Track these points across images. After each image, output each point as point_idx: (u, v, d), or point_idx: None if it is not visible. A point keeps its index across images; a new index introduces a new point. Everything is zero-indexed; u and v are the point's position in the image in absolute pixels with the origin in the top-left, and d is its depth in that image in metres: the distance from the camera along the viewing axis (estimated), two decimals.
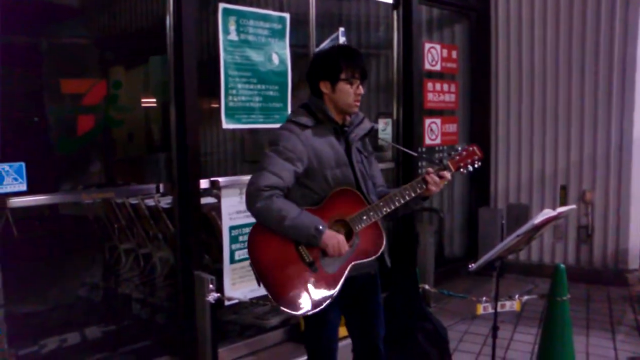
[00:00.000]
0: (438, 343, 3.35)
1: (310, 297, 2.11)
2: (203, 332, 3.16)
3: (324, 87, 2.23)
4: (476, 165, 2.33)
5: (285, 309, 2.12)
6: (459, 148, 2.33)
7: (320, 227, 2.08)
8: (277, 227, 2.09)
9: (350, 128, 2.30)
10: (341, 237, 2.13)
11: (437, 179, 2.22)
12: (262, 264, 2.13)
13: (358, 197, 2.22)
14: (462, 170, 2.31)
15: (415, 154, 2.80)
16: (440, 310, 4.52)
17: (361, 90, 2.25)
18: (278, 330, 3.91)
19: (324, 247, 2.11)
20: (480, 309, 3.16)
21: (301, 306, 2.11)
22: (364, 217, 2.17)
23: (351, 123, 2.30)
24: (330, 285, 2.14)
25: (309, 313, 2.13)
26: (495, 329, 2.78)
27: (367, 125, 2.34)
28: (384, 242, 2.24)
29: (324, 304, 2.12)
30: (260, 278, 2.13)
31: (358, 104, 2.26)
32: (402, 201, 2.20)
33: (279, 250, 2.13)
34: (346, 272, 2.16)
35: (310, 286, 2.12)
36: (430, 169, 2.25)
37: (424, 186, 2.21)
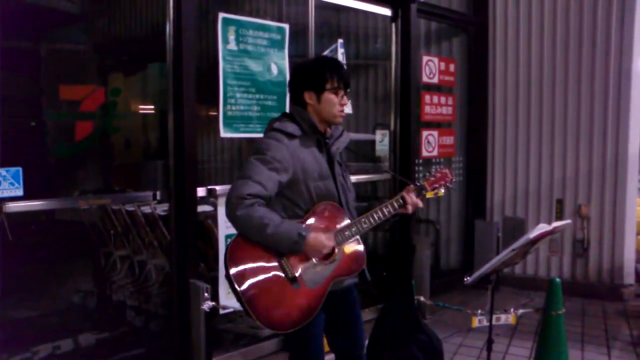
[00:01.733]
0: (433, 355, 3.34)
1: (291, 314, 2.06)
2: (197, 341, 3.15)
3: (309, 98, 2.22)
4: (449, 187, 2.41)
5: (267, 327, 2.07)
6: (435, 170, 2.45)
7: (303, 233, 2.05)
8: (258, 236, 2.03)
9: (331, 140, 2.29)
10: (323, 237, 2.09)
11: (414, 198, 2.26)
12: (242, 279, 2.03)
13: (341, 212, 2.22)
14: (435, 190, 2.37)
15: (392, 173, 2.87)
16: (436, 322, 4.51)
17: (345, 100, 2.25)
18: (272, 340, 3.89)
19: (309, 252, 2.07)
20: (475, 322, 3.16)
21: (283, 324, 2.07)
22: (347, 233, 2.17)
23: (332, 135, 2.30)
24: (312, 301, 2.09)
25: (290, 330, 2.08)
26: (490, 342, 2.78)
27: (346, 138, 2.35)
28: (365, 257, 2.25)
29: (306, 321, 2.09)
30: (241, 295, 2.02)
31: (343, 114, 2.26)
32: (383, 217, 2.21)
33: (261, 266, 2.05)
34: (329, 287, 2.14)
35: (291, 303, 2.06)
36: (409, 189, 2.29)
37: (403, 204, 2.25)
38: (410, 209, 2.26)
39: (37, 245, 4.28)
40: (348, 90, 2.28)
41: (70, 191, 4.30)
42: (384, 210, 2.22)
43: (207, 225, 4.07)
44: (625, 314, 4.86)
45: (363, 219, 2.20)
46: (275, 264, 2.07)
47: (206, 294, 3.06)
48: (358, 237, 2.23)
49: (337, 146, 2.30)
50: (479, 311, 3.17)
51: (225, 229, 3.50)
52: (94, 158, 4.58)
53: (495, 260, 2.62)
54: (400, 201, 2.25)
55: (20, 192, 2.72)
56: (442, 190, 2.38)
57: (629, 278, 5.27)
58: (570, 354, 3.31)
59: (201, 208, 3.78)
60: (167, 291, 3.91)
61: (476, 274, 2.66)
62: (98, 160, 4.67)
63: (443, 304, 4.07)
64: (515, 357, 3.91)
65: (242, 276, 2.03)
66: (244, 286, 2.02)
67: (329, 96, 2.20)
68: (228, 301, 3.51)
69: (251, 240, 2.06)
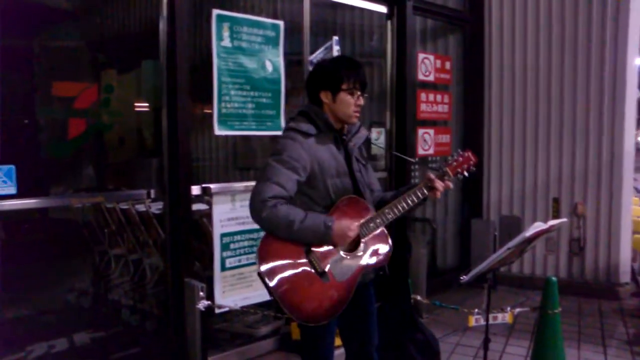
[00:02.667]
0: (429, 354, 3.33)
1: (324, 307, 2.11)
2: (193, 340, 3.13)
3: (325, 97, 2.25)
4: (472, 170, 2.35)
5: (301, 321, 2.13)
6: (455, 154, 2.35)
7: (329, 222, 2.09)
8: (286, 233, 2.08)
9: (348, 137, 2.32)
10: (349, 223, 2.13)
11: (442, 183, 2.24)
12: (274, 276, 2.09)
13: (363, 205, 2.24)
14: (459, 175, 2.33)
15: (413, 160, 2.83)
16: (432, 321, 4.50)
17: (361, 101, 2.27)
18: (268, 339, 3.88)
19: (337, 240, 2.11)
20: (472, 321, 3.14)
21: (316, 316, 2.12)
22: (371, 225, 2.19)
23: (349, 132, 2.33)
24: (342, 293, 2.14)
25: (322, 322, 2.13)
26: (486, 341, 2.77)
27: (363, 133, 2.37)
28: (391, 249, 2.27)
29: (338, 312, 2.14)
30: (273, 291, 2.09)
31: (358, 114, 2.28)
32: (407, 207, 2.21)
33: (291, 262, 2.11)
34: (358, 278, 2.17)
35: (323, 296, 2.11)
36: (431, 175, 2.25)
37: (427, 192, 2.23)
38: (438, 194, 2.24)
39: (31, 243, 4.26)
40: (365, 90, 2.29)
41: (64, 189, 4.27)
42: (408, 200, 2.22)
43: (202, 224, 4.05)
44: (621, 312, 4.86)
45: (387, 210, 2.20)
46: (304, 260, 2.12)
47: (201, 293, 3.05)
48: (384, 228, 2.24)
49: (354, 142, 2.32)
50: (476, 310, 3.15)
51: (220, 227, 3.48)
52: (88, 156, 4.56)
53: (491, 259, 2.61)
54: (425, 190, 2.23)
55: (13, 190, 2.70)
56: (466, 174, 2.33)
57: (625, 277, 5.28)
58: (566, 353, 3.29)
59: (196, 206, 3.76)
60: (162, 290, 3.89)
61: (472, 273, 2.65)
62: (92, 158, 4.65)
63: (440, 303, 4.06)
64: (512, 356, 3.90)
65: (273, 273, 2.09)
66: (276, 283, 2.08)
67: (344, 96, 2.23)
68: (223, 300, 3.49)
69: (279, 238, 2.11)
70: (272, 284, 2.08)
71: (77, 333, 3.85)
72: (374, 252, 2.23)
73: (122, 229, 4.61)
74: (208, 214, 3.70)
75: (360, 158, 2.37)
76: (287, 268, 2.11)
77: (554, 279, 3.20)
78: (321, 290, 2.11)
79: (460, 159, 2.33)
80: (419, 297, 4.09)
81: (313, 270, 2.11)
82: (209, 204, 3.61)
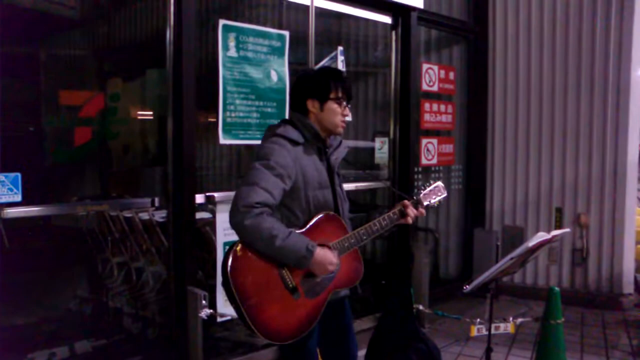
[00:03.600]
0: None
1: (291, 325, 2.04)
2: (194, 349, 3.13)
3: (312, 106, 2.23)
4: (440, 202, 2.45)
5: (264, 337, 2.02)
6: (428, 184, 2.46)
7: (311, 247, 2.03)
8: (266, 247, 1.99)
9: (330, 150, 2.30)
10: (330, 256, 2.09)
11: (415, 211, 2.30)
12: (242, 288, 1.98)
13: (340, 224, 2.23)
14: (429, 206, 2.41)
15: (387, 185, 2.92)
16: (434, 331, 4.49)
17: (347, 111, 2.27)
18: (270, 348, 3.87)
19: (314, 267, 2.05)
20: (474, 331, 3.14)
21: (281, 335, 2.04)
22: (346, 244, 2.17)
23: (331, 145, 2.31)
24: (311, 312, 2.09)
25: (288, 342, 2.06)
26: (489, 351, 2.77)
27: (344, 148, 2.36)
28: (363, 269, 2.26)
29: (305, 332, 2.07)
30: (239, 303, 1.98)
31: (344, 125, 2.27)
32: (381, 229, 2.24)
33: (261, 275, 2.02)
34: (327, 298, 2.14)
35: (291, 314, 2.04)
36: (406, 202, 2.31)
37: (400, 216, 2.28)
38: (410, 220, 2.28)
39: (35, 251, 4.27)
40: (350, 102, 2.30)
41: (69, 197, 4.28)
42: (382, 222, 2.24)
43: (205, 233, 4.06)
44: (624, 323, 4.84)
45: (362, 231, 2.21)
46: (276, 273, 2.04)
47: (204, 302, 3.05)
48: (357, 248, 2.23)
49: (336, 156, 2.31)
50: (478, 320, 3.16)
51: (223, 236, 3.49)
52: (93, 164, 4.57)
53: (494, 269, 2.61)
54: (398, 214, 2.27)
55: (18, 198, 2.71)
56: (436, 204, 2.43)
57: (628, 287, 5.26)
58: None
59: (199, 215, 3.77)
60: (165, 298, 3.89)
61: (475, 282, 2.65)
62: (97, 166, 4.66)
63: (442, 313, 4.05)
64: None
65: (241, 285, 1.99)
66: (243, 295, 1.98)
67: (332, 105, 2.22)
68: (226, 309, 3.49)
69: (253, 249, 2.02)
70: (239, 296, 1.97)
71: (79, 341, 3.84)
72: (346, 270, 2.21)
73: (125, 237, 4.62)
74: (211, 223, 3.71)
75: (339, 173, 2.38)
76: (257, 280, 2.01)
77: (557, 289, 3.21)
78: (290, 307, 2.04)
79: (430, 189, 2.41)
80: (421, 307, 4.09)
81: (284, 286, 2.04)
82: (213, 212, 3.62)
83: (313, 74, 2.33)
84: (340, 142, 2.35)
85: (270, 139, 2.18)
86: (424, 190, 2.40)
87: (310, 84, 2.25)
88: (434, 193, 2.41)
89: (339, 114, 2.23)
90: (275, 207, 2.07)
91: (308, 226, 2.14)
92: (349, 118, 2.30)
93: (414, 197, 2.35)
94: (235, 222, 2.01)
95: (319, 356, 2.40)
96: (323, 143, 2.26)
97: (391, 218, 2.25)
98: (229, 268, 1.99)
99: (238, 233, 2.03)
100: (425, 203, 2.38)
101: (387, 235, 2.42)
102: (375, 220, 2.23)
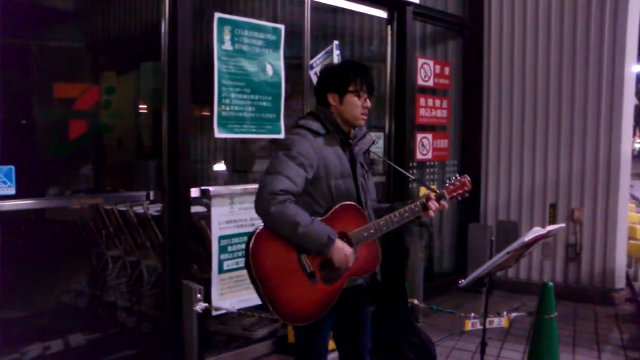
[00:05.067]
0: (426, 358, 3.34)
1: (307, 308, 2.12)
2: (190, 342, 3.13)
3: (332, 99, 2.28)
4: (466, 195, 2.43)
5: (281, 318, 2.11)
6: (454, 178, 2.43)
7: (332, 236, 2.10)
8: (289, 233, 2.07)
9: (354, 141, 2.35)
10: (349, 249, 2.15)
11: (437, 205, 2.30)
12: (263, 270, 2.08)
13: (361, 213, 2.26)
14: (454, 199, 2.41)
15: (412, 177, 2.89)
16: (429, 325, 4.51)
17: (368, 103, 2.30)
18: (265, 342, 3.88)
19: (332, 257, 2.11)
20: (468, 325, 3.16)
21: (297, 317, 2.12)
22: (365, 234, 2.21)
23: (355, 136, 2.36)
24: (327, 297, 2.15)
25: (302, 324, 2.14)
26: (483, 345, 2.78)
27: (369, 139, 2.40)
28: (380, 259, 2.28)
29: (320, 316, 2.14)
30: (259, 285, 2.08)
31: (365, 117, 2.31)
32: (401, 221, 2.25)
33: (281, 259, 2.10)
34: (343, 285, 2.18)
35: (308, 297, 2.12)
36: (431, 196, 2.31)
37: (422, 209, 2.28)
38: (432, 214, 2.29)
39: (29, 244, 4.25)
40: (373, 94, 2.32)
41: (63, 190, 4.27)
42: (403, 213, 2.25)
43: (200, 226, 4.05)
44: (616, 317, 4.88)
45: (382, 222, 2.23)
46: (295, 258, 2.12)
47: (199, 295, 3.05)
48: (376, 238, 2.26)
49: (359, 147, 2.35)
50: (472, 314, 3.17)
51: (218, 230, 3.49)
52: (87, 157, 4.55)
53: (490, 263, 2.62)
54: (420, 207, 2.28)
55: (12, 191, 2.70)
56: (460, 199, 2.42)
57: (620, 282, 5.30)
58: (561, 358, 3.32)
59: (194, 209, 3.76)
60: (160, 292, 3.89)
61: (471, 277, 2.66)
62: (91, 159, 4.64)
63: (436, 307, 4.07)
64: None
65: (262, 267, 2.08)
66: (263, 277, 2.07)
67: (351, 98, 2.26)
68: (221, 303, 3.49)
69: (274, 234, 2.10)
70: (258, 277, 2.07)
71: (74, 334, 3.84)
72: (363, 259, 2.24)
73: (120, 231, 4.61)
74: (206, 216, 3.71)
75: (364, 163, 2.40)
76: (277, 264, 2.10)
77: (550, 284, 3.22)
78: (307, 291, 2.11)
79: (457, 183, 2.40)
80: (415, 301, 4.11)
81: (302, 270, 2.12)
82: (208, 206, 3.61)
83: (334, 68, 2.39)
84: (366, 133, 2.40)
85: (294, 130, 2.27)
86: (449, 184, 2.39)
87: (330, 78, 2.31)
88: (460, 187, 2.40)
89: (359, 106, 2.27)
90: (298, 194, 2.14)
91: (329, 214, 2.19)
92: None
93: (437, 191, 2.35)
94: (261, 209, 2.09)
95: (334, 343, 2.44)
96: (345, 134, 2.30)
97: (412, 210, 2.27)
98: (250, 250, 2.08)
99: (263, 220, 2.11)
100: (450, 196, 2.37)
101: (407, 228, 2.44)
102: (396, 211, 2.25)
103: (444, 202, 2.33)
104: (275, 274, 2.09)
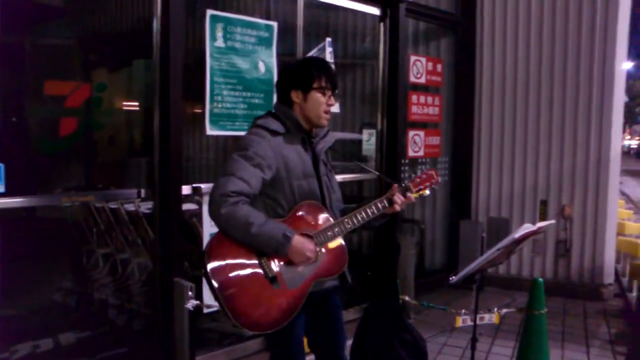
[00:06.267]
0: (417, 354, 3.36)
1: (271, 315, 2.02)
2: (181, 340, 3.12)
3: (295, 97, 2.20)
4: (435, 187, 2.39)
5: (245, 328, 2.01)
6: (419, 172, 2.43)
7: (288, 234, 2.01)
8: (243, 236, 1.99)
9: (316, 140, 2.28)
10: (309, 244, 2.07)
11: (402, 198, 2.25)
12: (221, 278, 1.98)
13: (323, 212, 2.20)
14: (421, 192, 2.35)
15: (377, 173, 2.86)
16: (420, 322, 4.53)
17: (333, 101, 2.24)
18: (257, 339, 3.88)
19: (292, 256, 2.04)
20: (459, 322, 3.18)
21: (262, 324, 2.03)
22: (329, 233, 2.14)
23: (317, 135, 2.29)
24: (292, 301, 2.06)
25: (269, 331, 2.06)
26: (473, 341, 2.80)
27: (331, 138, 2.33)
28: (347, 259, 2.21)
29: (286, 322, 2.05)
30: (218, 293, 1.97)
31: (328, 116, 2.24)
32: (366, 218, 2.19)
33: (240, 264, 2.01)
34: (309, 288, 2.10)
35: (271, 303, 2.02)
36: (395, 189, 2.26)
37: (387, 205, 2.23)
38: (398, 208, 2.24)
39: (19, 243, 4.22)
40: (336, 91, 2.26)
41: (53, 188, 4.24)
42: (368, 210, 2.19)
43: (192, 224, 4.04)
44: (604, 313, 4.93)
45: (346, 219, 2.17)
46: (256, 262, 2.03)
47: (190, 293, 3.04)
48: (341, 237, 2.20)
49: (322, 145, 2.28)
50: (463, 311, 3.19)
51: (210, 227, 3.48)
52: (78, 155, 4.52)
53: (480, 259, 2.64)
54: (385, 202, 2.23)
55: (2, 189, 2.68)
56: (427, 192, 2.36)
57: (609, 278, 5.36)
58: (551, 353, 3.34)
59: (186, 206, 3.75)
60: (151, 290, 3.88)
61: (462, 273, 2.68)
62: (82, 157, 4.61)
63: (427, 304, 4.09)
64: (498, 356, 3.95)
65: (221, 274, 1.99)
66: (223, 285, 1.98)
67: (315, 95, 2.19)
68: (212, 300, 3.48)
69: (232, 239, 2.02)
70: (217, 285, 1.96)
71: (64, 333, 3.82)
72: (329, 260, 2.16)
73: (111, 229, 4.59)
74: (198, 214, 3.70)
75: (327, 162, 2.34)
76: (236, 270, 2.00)
77: (540, 280, 3.25)
78: (270, 297, 2.02)
79: (424, 176, 2.35)
80: (407, 298, 4.13)
81: (264, 275, 2.02)
82: (199, 203, 3.60)
83: (296, 65, 2.30)
84: (328, 132, 2.33)
85: (251, 129, 2.19)
86: (415, 177, 2.35)
87: (294, 75, 2.22)
88: (427, 180, 2.34)
89: (323, 104, 2.19)
90: (253, 196, 2.06)
91: (289, 215, 2.13)
92: (335, 108, 2.26)
93: (402, 184, 2.30)
94: (212, 212, 2.01)
95: (307, 347, 2.40)
96: (306, 133, 2.24)
97: (377, 207, 2.21)
98: (207, 258, 1.99)
99: (215, 222, 2.03)
100: (417, 189, 2.32)
101: (377, 225, 2.40)
102: (361, 208, 2.20)
103: (409, 195, 2.26)
104: (235, 282, 1.99)
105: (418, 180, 2.34)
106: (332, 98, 2.23)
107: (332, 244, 2.17)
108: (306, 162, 2.20)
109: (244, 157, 2.06)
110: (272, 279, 2.04)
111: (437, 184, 2.38)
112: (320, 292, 2.20)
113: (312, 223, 2.15)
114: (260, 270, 2.03)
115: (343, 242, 2.22)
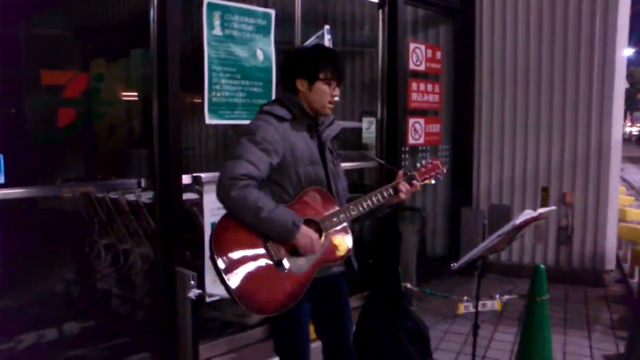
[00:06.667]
0: (419, 341, 3.37)
1: (276, 298, 2.04)
2: (184, 329, 3.13)
3: (301, 85, 2.21)
4: (439, 178, 2.39)
5: (250, 310, 2.03)
6: (424, 161, 2.41)
7: (297, 222, 2.03)
8: (252, 219, 2.01)
9: (322, 127, 2.29)
10: (315, 236, 2.09)
11: (408, 186, 2.25)
12: (227, 261, 2.00)
13: (329, 198, 2.21)
14: (426, 181, 2.36)
15: (382, 162, 2.87)
16: (422, 309, 4.54)
17: (337, 92, 2.24)
18: (259, 328, 3.89)
19: (298, 243, 2.05)
20: (461, 308, 3.19)
21: (266, 307, 2.05)
22: (334, 219, 2.16)
23: (322, 123, 2.30)
24: (297, 286, 2.07)
25: (273, 315, 2.08)
26: (476, 328, 2.81)
27: (337, 126, 2.34)
28: (351, 245, 2.22)
29: (290, 306, 2.06)
30: (224, 276, 1.99)
31: (332, 106, 2.25)
32: (372, 205, 2.20)
33: (246, 247, 2.04)
34: (314, 273, 2.12)
35: (276, 287, 2.04)
36: (400, 177, 2.28)
37: (393, 193, 2.24)
38: (404, 196, 2.25)
39: (20, 234, 4.23)
40: (341, 82, 2.26)
41: (53, 179, 4.23)
42: (373, 198, 2.20)
43: (193, 213, 4.04)
44: (606, 299, 4.94)
45: (351, 206, 2.18)
46: (262, 247, 2.05)
47: (192, 282, 3.04)
48: (346, 224, 2.21)
49: (327, 133, 2.29)
50: (465, 298, 3.20)
51: (210, 216, 3.48)
52: (77, 145, 4.51)
53: (481, 246, 2.64)
54: (391, 190, 2.24)
55: (1, 180, 2.67)
56: (433, 181, 2.37)
57: (610, 264, 5.36)
58: (553, 339, 3.35)
59: (186, 196, 3.74)
60: (153, 279, 3.88)
61: (463, 260, 2.68)
62: (81, 147, 4.60)
63: (429, 291, 4.11)
64: (500, 343, 3.96)
65: (227, 258, 2.01)
66: (229, 268, 2.00)
67: (321, 86, 2.19)
68: (214, 289, 3.49)
69: (239, 222, 2.04)
70: (224, 267, 1.98)
71: (67, 323, 3.84)
72: (334, 246, 2.17)
73: (112, 219, 4.59)
74: (198, 203, 3.69)
75: (333, 150, 2.35)
76: (242, 254, 2.03)
77: (542, 266, 3.25)
78: (275, 281, 2.04)
79: (429, 165, 2.36)
80: (409, 285, 4.14)
81: (269, 259, 2.05)
82: (200, 193, 3.60)
83: (303, 52, 2.30)
84: (333, 120, 2.34)
85: (257, 115, 2.21)
86: (421, 167, 2.36)
87: (300, 63, 2.22)
88: (432, 169, 2.35)
89: (328, 94, 2.20)
90: (261, 180, 2.08)
91: (294, 200, 2.14)
92: (336, 98, 2.27)
93: (408, 172, 2.30)
94: (221, 195, 2.04)
95: (314, 334, 2.40)
96: (313, 120, 2.25)
97: (383, 194, 2.22)
98: (214, 240, 2.02)
99: (225, 205, 2.05)
100: (422, 179, 2.32)
101: (381, 216, 2.40)
102: (367, 195, 2.21)
103: (415, 183, 2.27)
104: (241, 264, 2.01)
105: (423, 169, 2.35)
106: (336, 89, 2.24)
107: (338, 230, 2.18)
108: (312, 148, 2.21)
109: (252, 142, 2.08)
110: (278, 263, 2.06)
111: (443, 174, 2.39)
112: (326, 278, 2.22)
113: (318, 209, 2.16)
114: (266, 254, 2.05)
115: (348, 229, 2.23)
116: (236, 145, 2.11)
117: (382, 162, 3.05)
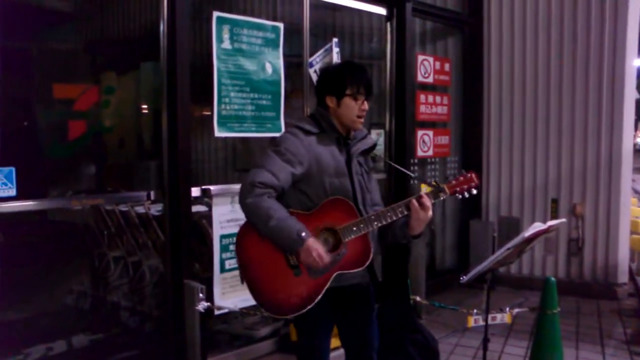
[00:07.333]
0: (429, 355, 3.34)
1: (290, 301, 2.14)
2: (192, 342, 3.13)
3: (330, 102, 2.30)
4: (473, 192, 2.32)
5: (265, 309, 2.17)
6: (457, 173, 2.33)
7: (303, 234, 2.07)
8: (262, 226, 2.10)
9: (353, 142, 2.35)
10: (321, 249, 2.10)
11: (420, 206, 2.19)
12: (248, 261, 2.17)
13: (350, 208, 2.22)
14: (457, 195, 2.31)
15: (413, 175, 2.83)
16: (431, 322, 4.50)
17: (366, 106, 2.30)
18: (268, 341, 3.88)
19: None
20: (471, 322, 3.16)
21: (281, 309, 2.17)
22: (354, 228, 2.18)
23: (354, 137, 2.36)
24: (311, 291, 2.14)
25: (288, 316, 2.19)
26: (486, 342, 2.78)
27: (370, 141, 2.40)
28: (372, 255, 2.22)
29: (303, 310, 2.13)
30: (245, 276, 2.19)
31: (362, 120, 2.31)
32: (394, 217, 2.20)
33: (266, 250, 2.14)
34: (330, 280, 2.15)
35: (291, 290, 2.14)
36: (424, 192, 2.26)
37: (417, 205, 2.20)
38: (427, 210, 2.20)
39: (30, 246, 4.25)
40: (370, 96, 2.32)
41: (64, 191, 4.27)
42: (396, 209, 2.21)
43: (202, 226, 4.05)
44: (619, 312, 4.87)
45: (372, 216, 2.20)
46: (280, 250, 2.14)
47: (201, 295, 3.05)
48: (368, 234, 2.21)
49: (357, 147, 2.35)
50: (475, 311, 3.17)
51: (220, 229, 3.49)
52: (88, 157, 4.55)
53: (491, 259, 2.62)
54: (415, 204, 2.20)
55: (13, 192, 2.70)
56: (466, 195, 2.30)
57: (623, 277, 5.29)
58: (565, 353, 3.31)
59: (195, 208, 3.76)
60: (162, 292, 3.89)
61: (472, 273, 2.66)
62: (91, 159, 4.64)
63: (439, 304, 4.07)
64: (511, 357, 3.91)
65: (247, 258, 2.18)
66: (247, 267, 2.18)
67: (348, 101, 2.27)
68: (223, 302, 3.49)
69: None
70: (243, 262, 2.18)
71: (76, 335, 3.84)
72: (353, 254, 2.19)
73: (121, 231, 4.61)
74: (208, 216, 3.70)
75: (364, 164, 2.38)
76: (262, 255, 2.16)
77: (553, 279, 3.22)
78: (291, 284, 2.14)
79: (462, 178, 2.30)
80: (418, 298, 4.11)
81: (286, 263, 2.14)
82: (209, 205, 3.61)
83: (332, 70, 2.38)
84: (366, 135, 2.40)
85: (287, 129, 2.36)
86: (452, 179, 2.31)
87: (328, 81, 2.32)
88: (465, 182, 2.29)
89: (356, 109, 2.27)
90: (281, 189, 2.16)
91: (317, 208, 2.20)
92: (365, 112, 2.30)
93: (436, 185, 2.28)
94: (240, 200, 2.16)
95: (339, 341, 2.44)
96: (341, 134, 2.31)
97: (407, 207, 2.21)
98: (237, 235, 2.21)
99: (243, 211, 2.16)
100: (452, 192, 2.28)
101: (406, 241, 2.37)
102: (390, 207, 2.22)
103: (424, 201, 2.19)
104: (260, 266, 2.16)
105: (455, 182, 2.29)
106: (365, 103, 2.29)
107: (357, 239, 2.20)
108: (339, 161, 2.27)
109: (276, 152, 2.19)
110: (294, 266, 2.14)
111: (477, 186, 2.32)
112: (350, 288, 2.25)
113: (338, 218, 2.20)
114: (283, 258, 2.15)
115: (369, 238, 2.24)
116: (263, 156, 2.23)
117: (409, 173, 3.03)
